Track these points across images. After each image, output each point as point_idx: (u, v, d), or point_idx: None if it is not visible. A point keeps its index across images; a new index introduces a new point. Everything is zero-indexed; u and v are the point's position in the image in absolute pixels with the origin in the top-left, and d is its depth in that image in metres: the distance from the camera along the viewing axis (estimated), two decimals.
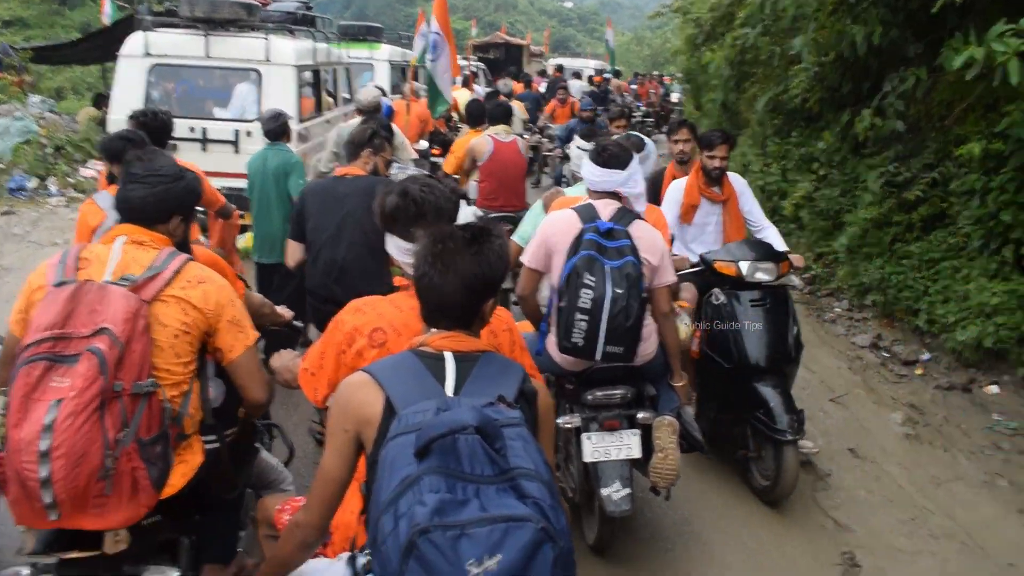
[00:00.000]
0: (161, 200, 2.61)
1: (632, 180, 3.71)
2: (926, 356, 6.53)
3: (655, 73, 33.66)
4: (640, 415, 3.70)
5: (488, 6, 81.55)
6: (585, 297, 3.39)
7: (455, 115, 12.78)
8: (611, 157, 3.68)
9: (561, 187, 4.82)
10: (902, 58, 7.73)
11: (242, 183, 8.02)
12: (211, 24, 8.48)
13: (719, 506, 4.48)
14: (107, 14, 17.12)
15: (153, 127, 4.87)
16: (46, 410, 2.16)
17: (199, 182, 2.81)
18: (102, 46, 16.28)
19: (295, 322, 3.65)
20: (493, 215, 6.58)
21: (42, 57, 18.16)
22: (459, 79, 14.10)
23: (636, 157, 3.82)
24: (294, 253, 4.45)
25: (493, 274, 1.98)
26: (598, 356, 3.45)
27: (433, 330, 2.02)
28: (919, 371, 6.34)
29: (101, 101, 16.87)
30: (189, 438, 2.51)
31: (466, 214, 2.75)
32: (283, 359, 2.91)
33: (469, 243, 1.96)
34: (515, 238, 4.64)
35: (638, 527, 4.23)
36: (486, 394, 1.81)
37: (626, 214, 3.60)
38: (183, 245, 2.77)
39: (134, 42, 8.44)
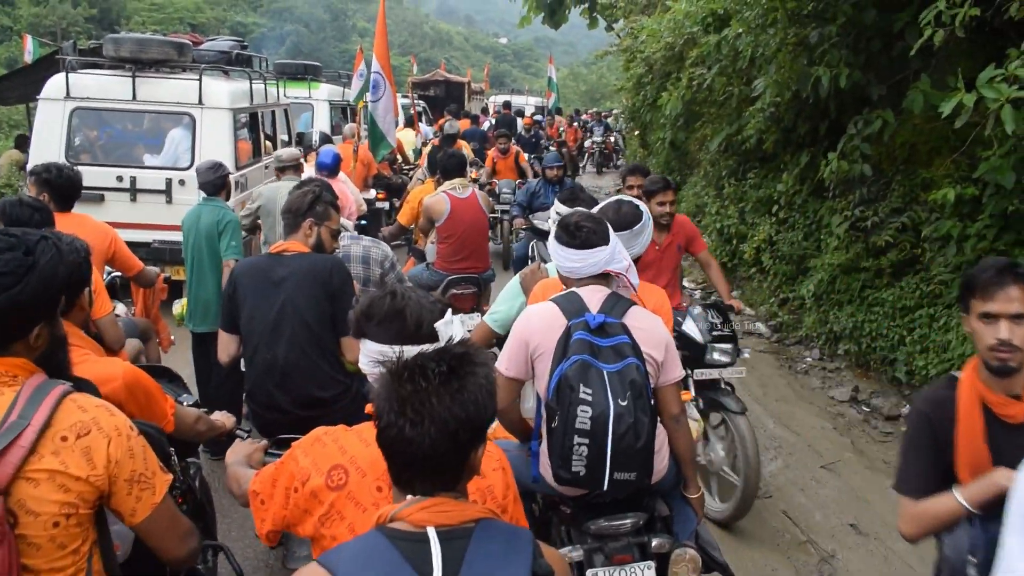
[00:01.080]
0: (7, 312, 1.79)
1: (617, 256, 3.00)
2: (907, 409, 6.25)
3: (593, 110, 33.66)
4: (655, 542, 3.01)
5: (424, 42, 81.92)
6: (583, 416, 2.67)
7: (399, 157, 12.37)
8: (590, 234, 2.94)
9: (542, 264, 4.00)
10: (863, 100, 7.57)
11: (175, 236, 7.44)
12: (139, 64, 7.98)
13: None
14: (29, 51, 16.34)
15: (57, 185, 4.32)
16: None
17: (57, 261, 1.89)
18: (22, 84, 15.50)
19: (239, 430, 3.10)
20: (454, 277, 6.12)
21: None
22: (401, 119, 13.64)
23: (609, 228, 3.07)
24: (227, 347, 3.67)
25: (481, 416, 1.52)
26: (606, 487, 2.73)
27: (409, 497, 1.55)
28: (904, 428, 6.03)
29: (23, 143, 16.05)
30: None
31: (450, 321, 2.15)
32: (238, 454, 2.42)
33: (447, 379, 1.49)
34: (488, 320, 3.93)
35: None
36: None
37: (618, 301, 2.90)
38: (56, 351, 1.96)
39: (54, 84, 7.89)
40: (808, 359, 7.58)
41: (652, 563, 2.97)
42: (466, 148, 11.86)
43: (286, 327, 3.49)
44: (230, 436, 3.02)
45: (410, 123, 14.92)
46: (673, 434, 3.02)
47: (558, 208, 4.08)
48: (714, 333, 4.79)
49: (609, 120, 28.98)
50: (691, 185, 12.45)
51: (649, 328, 2.88)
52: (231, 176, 6.19)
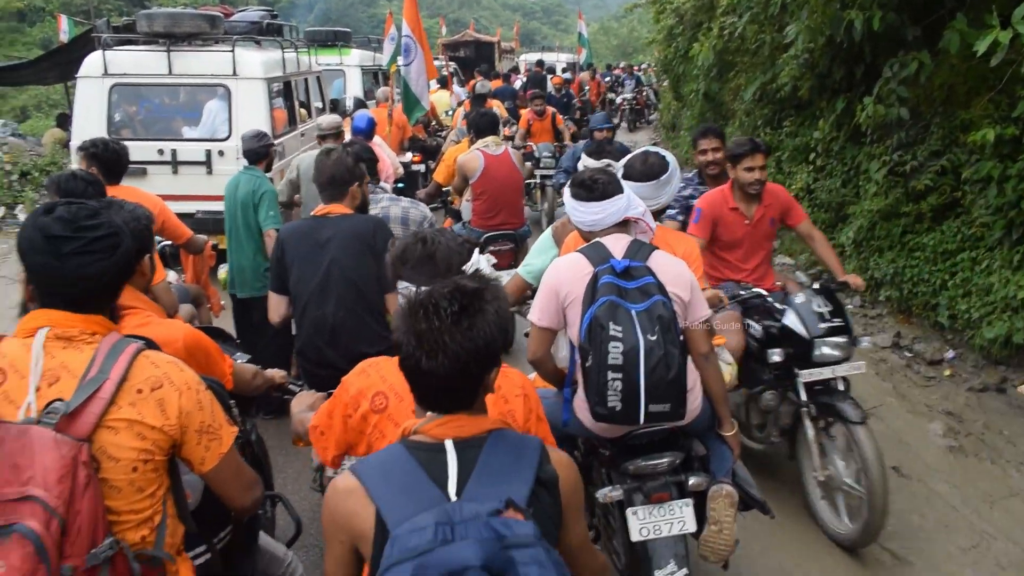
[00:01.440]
0: (123, 269, 1.95)
1: (633, 200, 3.13)
2: (951, 354, 6.24)
3: (624, 64, 33.16)
4: (692, 480, 3.11)
5: (452, 3, 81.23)
6: (615, 351, 2.76)
7: (433, 120, 12.42)
8: (606, 185, 3.06)
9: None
10: (898, 42, 7.43)
11: (217, 206, 7.60)
12: (172, 39, 8.05)
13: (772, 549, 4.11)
14: (64, 31, 16.56)
15: (105, 158, 4.45)
16: None
17: (145, 222, 2.19)
18: (61, 64, 15.74)
19: (292, 384, 3.21)
20: (492, 234, 6.22)
21: (0, 79, 17.55)
22: (434, 82, 13.62)
23: (618, 180, 3.17)
24: (277, 308, 3.79)
25: (492, 347, 1.68)
26: (642, 419, 2.81)
27: (429, 413, 1.74)
28: (947, 372, 6.04)
29: (65, 121, 16.33)
30: (175, 563, 2.02)
31: (476, 261, 2.38)
32: (302, 404, 2.67)
33: (458, 317, 1.64)
34: (521, 272, 4.03)
35: None
36: (495, 492, 1.58)
37: (641, 246, 3.00)
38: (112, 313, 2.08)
39: (92, 62, 8.01)
40: (849, 305, 7.55)
41: (690, 500, 3.09)
42: (499, 107, 11.91)
43: (334, 286, 3.60)
44: (283, 391, 3.14)
45: (444, 84, 14.86)
46: (704, 372, 3.09)
47: (585, 162, 4.15)
48: (823, 325, 4.09)
49: (640, 74, 28.44)
50: (727, 136, 12.32)
51: (673, 270, 2.97)
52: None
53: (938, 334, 6.56)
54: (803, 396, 4.11)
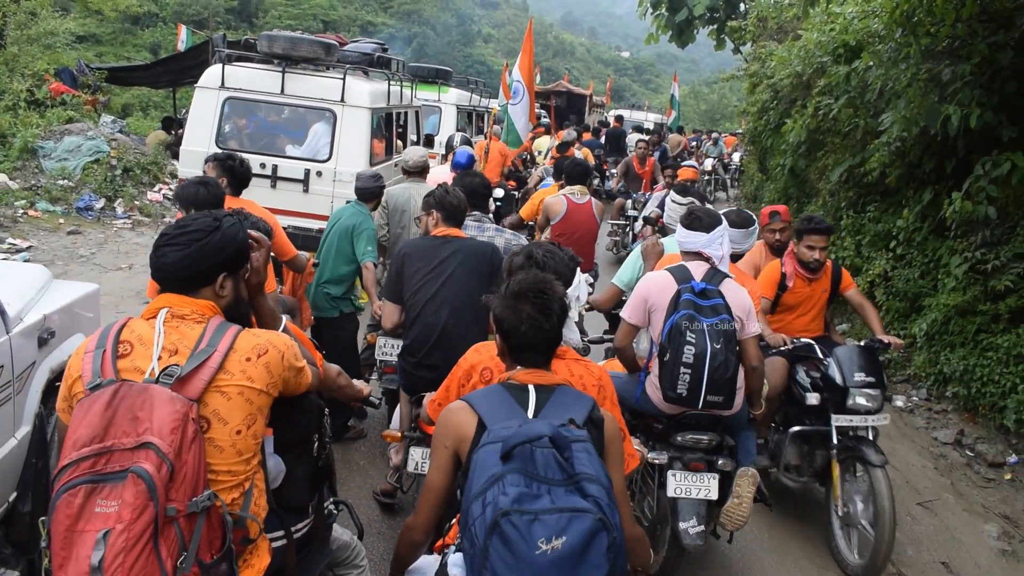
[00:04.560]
0: (196, 260, 2.28)
1: (715, 244, 3.97)
2: (1013, 459, 6.18)
3: (708, 130, 33.08)
4: (720, 461, 3.99)
5: (547, 51, 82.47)
6: (688, 353, 3.68)
7: (530, 156, 13.48)
8: (695, 220, 4.02)
9: (659, 239, 4.98)
10: (993, 141, 7.46)
11: (310, 223, 8.02)
12: (289, 61, 8.46)
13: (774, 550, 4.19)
14: (182, 40, 17.40)
15: (237, 172, 4.79)
16: (93, 545, 1.90)
17: (238, 228, 2.40)
18: (174, 71, 16.57)
19: (372, 398, 3.43)
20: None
21: (115, 78, 18.51)
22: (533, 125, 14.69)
23: (724, 223, 4.09)
24: (391, 315, 4.34)
25: (561, 324, 2.47)
26: (700, 405, 3.75)
27: (519, 367, 2.46)
28: (1008, 476, 5.99)
29: (169, 124, 17.12)
30: (255, 540, 2.27)
31: (580, 279, 3.06)
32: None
33: (544, 302, 2.42)
34: (615, 282, 5.01)
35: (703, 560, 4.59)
36: (560, 418, 2.20)
37: (716, 274, 3.90)
38: (239, 307, 2.48)
39: (211, 74, 8.45)
40: (915, 398, 7.51)
41: (716, 476, 3.97)
42: (589, 156, 13.21)
43: (449, 296, 4.11)
44: (366, 403, 3.37)
45: (547, 130, 16.09)
46: (749, 377, 3.99)
47: (673, 197, 5.32)
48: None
49: (722, 139, 27.27)
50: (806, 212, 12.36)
51: (737, 296, 3.88)
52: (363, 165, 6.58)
53: (1002, 437, 6.51)
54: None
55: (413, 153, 7.02)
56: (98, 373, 2.11)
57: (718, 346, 3.67)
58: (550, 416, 2.23)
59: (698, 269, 3.90)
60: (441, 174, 8.13)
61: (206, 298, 2.32)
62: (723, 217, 4.22)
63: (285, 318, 2.89)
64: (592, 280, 6.79)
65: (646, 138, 17.20)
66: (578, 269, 3.05)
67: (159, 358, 2.15)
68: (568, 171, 7.18)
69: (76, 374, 2.18)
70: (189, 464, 2.02)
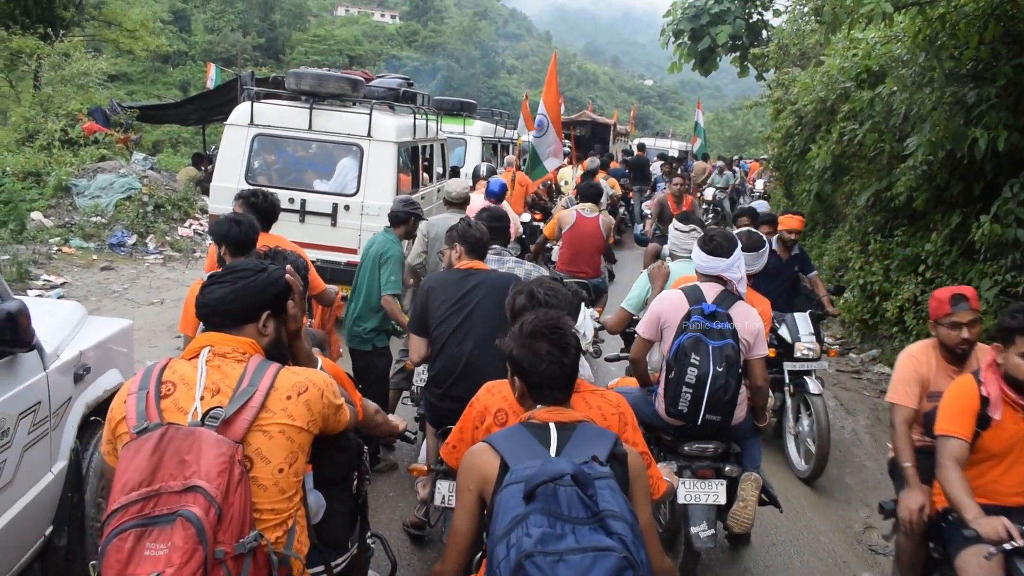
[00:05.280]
0: (242, 297, 2.36)
1: (734, 267, 4.16)
2: None
3: (720, 157, 32.74)
4: (727, 468, 4.24)
5: (570, 81, 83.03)
6: (691, 374, 3.90)
7: (554, 186, 13.63)
8: (716, 246, 4.18)
9: (665, 262, 5.46)
10: (1021, 163, 7.42)
11: (338, 256, 8.12)
12: (316, 97, 8.62)
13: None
14: (212, 78, 17.74)
15: (262, 208, 4.86)
16: None
17: (283, 273, 2.51)
18: (204, 108, 16.90)
19: (408, 432, 3.46)
20: (569, 280, 7.14)
21: (146, 116, 18.90)
22: (563, 159, 14.85)
23: (739, 247, 4.27)
24: (417, 349, 4.37)
25: (576, 361, 2.51)
26: (699, 422, 3.99)
27: (539, 407, 2.47)
28: None
29: (199, 160, 17.42)
30: (301, 561, 2.31)
31: (584, 315, 3.24)
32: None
33: (560, 340, 2.47)
34: (624, 305, 5.18)
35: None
36: (583, 455, 2.21)
37: (728, 296, 4.11)
38: (278, 347, 2.53)
39: (241, 111, 8.62)
40: None
41: (724, 482, 4.19)
42: (614, 185, 13.76)
43: (474, 327, 4.16)
44: (402, 438, 3.40)
45: (571, 160, 16.43)
46: (754, 396, 4.22)
47: (676, 225, 5.52)
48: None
49: (746, 165, 27.13)
50: (835, 239, 12.30)
51: (747, 319, 4.07)
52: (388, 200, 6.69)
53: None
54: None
55: (456, 185, 7.24)
56: (143, 416, 2.15)
57: (720, 369, 3.87)
58: (572, 453, 2.24)
59: (711, 291, 4.11)
60: (476, 203, 8.28)
61: (249, 335, 2.38)
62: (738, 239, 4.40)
63: (320, 359, 2.93)
64: (597, 315, 7.10)
65: (672, 164, 17.30)
66: (582, 305, 3.18)
67: (201, 398, 2.19)
68: (583, 191, 8.25)
69: (120, 416, 2.22)
70: (236, 506, 2.05)
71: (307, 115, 8.46)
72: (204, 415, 2.15)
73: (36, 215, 12.22)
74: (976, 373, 3.52)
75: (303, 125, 8.50)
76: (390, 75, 11.66)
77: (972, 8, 7.23)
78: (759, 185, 24.97)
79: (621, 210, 16.15)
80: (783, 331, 6.48)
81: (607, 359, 5.26)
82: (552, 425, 2.37)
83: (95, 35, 26.15)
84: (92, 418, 4.01)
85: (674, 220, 5.69)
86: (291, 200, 8.36)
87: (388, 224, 5.90)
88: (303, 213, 8.38)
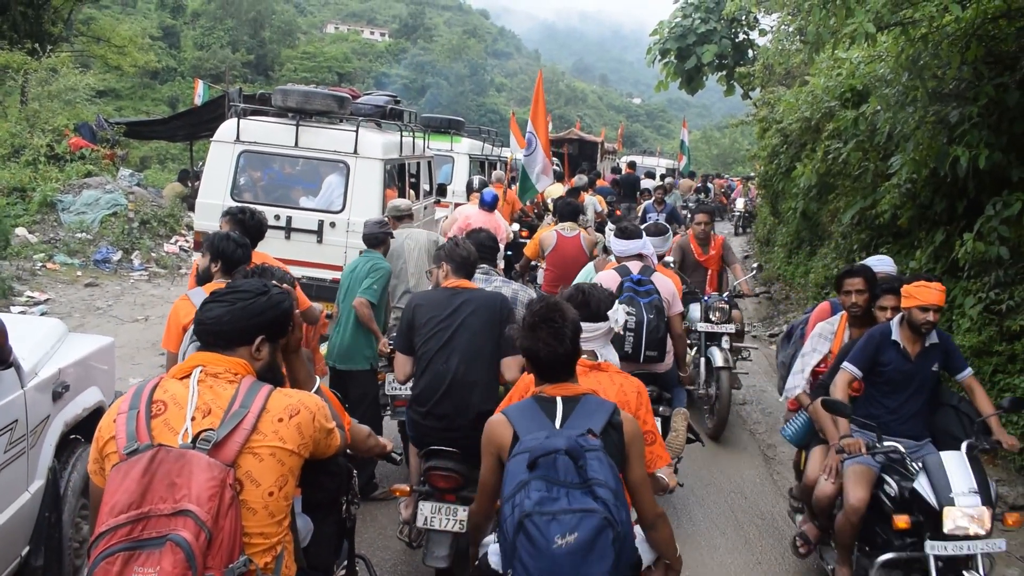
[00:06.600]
0: (238, 318, 2.34)
1: (646, 247, 5.76)
2: None
3: (721, 176, 33.16)
4: (661, 408, 5.34)
5: (559, 99, 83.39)
6: (631, 321, 5.15)
7: (541, 203, 13.69)
8: (630, 233, 5.75)
9: (608, 257, 6.46)
10: (1003, 181, 7.47)
11: (324, 273, 8.09)
12: (302, 114, 8.61)
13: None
14: (199, 95, 17.73)
15: (249, 226, 4.84)
16: None
17: (289, 297, 2.51)
18: (191, 124, 16.89)
19: (394, 453, 3.44)
20: None
21: (133, 132, 18.87)
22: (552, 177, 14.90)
23: (645, 234, 6.00)
24: (403, 367, 4.34)
25: (577, 339, 2.86)
26: (641, 359, 5.27)
27: (546, 384, 2.85)
28: None
29: (186, 176, 17.38)
30: None
31: (618, 307, 3.56)
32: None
33: (562, 325, 2.83)
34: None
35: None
36: (581, 427, 2.60)
37: (646, 269, 5.59)
38: (271, 370, 2.50)
39: (227, 128, 8.59)
40: None
41: (659, 419, 5.00)
42: (600, 202, 13.77)
43: (460, 345, 4.12)
44: (387, 459, 3.37)
45: (560, 179, 16.17)
46: (675, 342, 5.61)
47: (612, 230, 6.50)
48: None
49: (712, 184, 27.09)
50: (821, 257, 12.36)
51: (664, 283, 5.54)
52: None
53: (1021, 479, 6.41)
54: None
55: (402, 201, 7.70)
56: (133, 436, 2.12)
57: (651, 316, 5.26)
58: (575, 424, 2.64)
59: (635, 267, 5.60)
60: (470, 212, 9.47)
61: (241, 357, 2.34)
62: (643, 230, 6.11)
63: (319, 380, 2.91)
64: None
65: (666, 184, 17.20)
66: (616, 300, 3.58)
67: (192, 419, 2.16)
68: (560, 210, 8.39)
69: (108, 435, 2.19)
70: (226, 530, 2.02)
71: (293, 132, 8.44)
72: (195, 437, 2.12)
73: (21, 231, 12.15)
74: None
75: (289, 142, 8.48)
76: (377, 93, 11.68)
77: (954, 28, 7.29)
78: (739, 204, 25.05)
79: (607, 227, 16.19)
80: (920, 483, 4.02)
81: None
82: (559, 399, 2.76)
83: (83, 51, 26.15)
84: (71, 436, 3.97)
85: (614, 228, 6.23)
86: (277, 217, 8.32)
87: (367, 247, 5.95)
88: (288, 230, 8.34)
